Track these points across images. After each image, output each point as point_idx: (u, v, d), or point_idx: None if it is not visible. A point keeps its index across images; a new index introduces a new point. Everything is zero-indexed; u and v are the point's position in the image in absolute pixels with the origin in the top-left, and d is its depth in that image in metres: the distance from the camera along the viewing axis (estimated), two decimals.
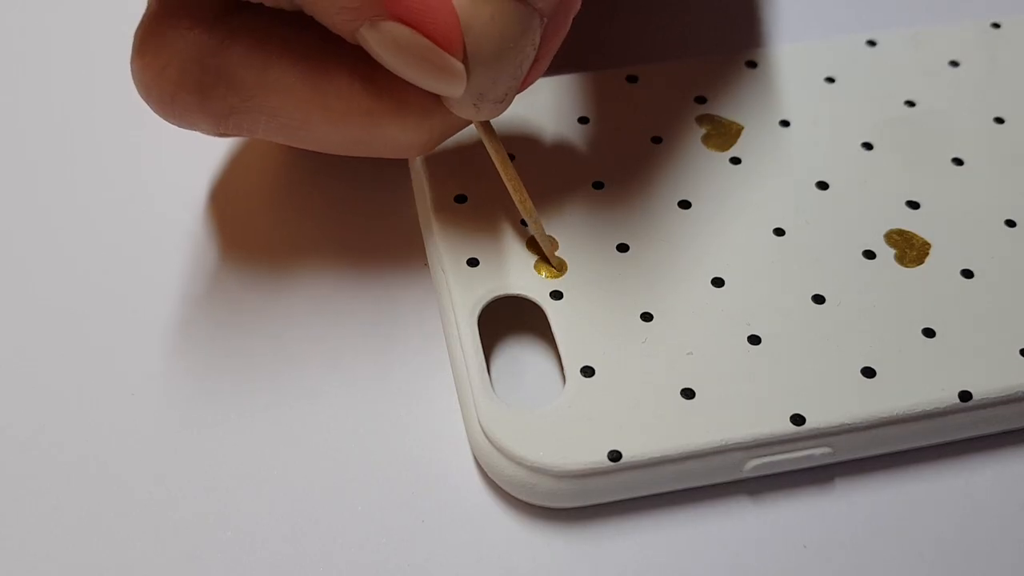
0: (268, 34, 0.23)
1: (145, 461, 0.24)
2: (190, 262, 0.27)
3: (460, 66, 0.22)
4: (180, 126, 0.24)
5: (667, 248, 0.26)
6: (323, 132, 0.24)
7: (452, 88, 0.23)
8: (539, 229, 0.25)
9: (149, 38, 0.23)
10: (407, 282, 0.27)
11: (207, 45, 0.23)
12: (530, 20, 0.22)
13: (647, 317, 0.25)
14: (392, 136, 0.24)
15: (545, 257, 0.25)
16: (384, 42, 0.22)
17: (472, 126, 0.25)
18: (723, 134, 0.28)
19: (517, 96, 0.28)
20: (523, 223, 0.26)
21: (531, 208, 0.25)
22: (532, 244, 0.26)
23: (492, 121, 0.25)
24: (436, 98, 0.24)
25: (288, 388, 0.25)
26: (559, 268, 0.25)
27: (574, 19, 0.24)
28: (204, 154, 0.29)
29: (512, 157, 0.27)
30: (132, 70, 0.24)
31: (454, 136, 0.27)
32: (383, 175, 0.28)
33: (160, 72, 0.23)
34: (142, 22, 0.23)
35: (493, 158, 0.25)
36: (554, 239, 0.26)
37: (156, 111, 0.24)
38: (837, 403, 0.23)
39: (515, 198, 0.25)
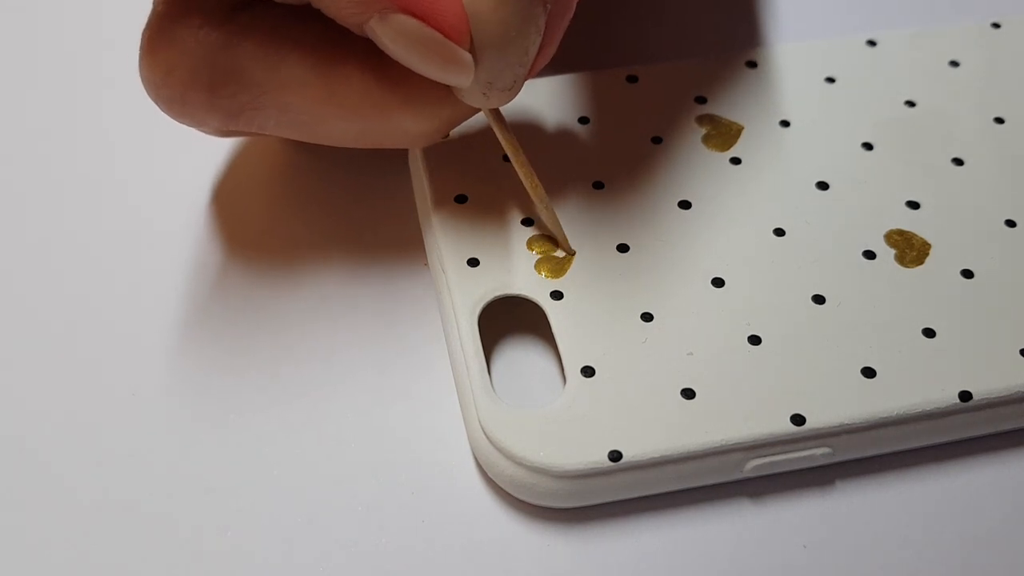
0: (277, 30, 0.23)
1: (145, 461, 0.24)
2: (190, 263, 0.27)
3: (468, 56, 0.22)
4: (188, 125, 0.24)
5: (667, 248, 0.26)
6: (334, 125, 0.24)
7: (461, 78, 0.23)
8: (551, 215, 0.25)
9: (157, 38, 0.23)
10: (407, 282, 0.27)
11: (217, 43, 0.23)
12: (533, 6, 0.22)
13: (647, 317, 0.25)
14: (403, 127, 0.24)
15: (554, 240, 0.26)
16: (392, 34, 0.22)
17: (480, 114, 0.25)
18: (723, 134, 0.28)
19: (518, 96, 0.28)
20: (524, 222, 0.26)
21: (543, 194, 0.25)
22: (532, 243, 0.26)
23: (502, 110, 0.25)
24: (446, 88, 0.24)
25: (288, 388, 0.25)
26: (571, 253, 0.25)
27: (575, 19, 0.24)
28: (205, 154, 0.29)
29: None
30: (141, 70, 0.23)
31: (455, 137, 0.27)
32: (383, 175, 0.28)
33: (170, 71, 0.23)
34: (149, 22, 0.23)
35: (504, 145, 0.25)
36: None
37: (165, 111, 0.24)
38: (837, 403, 0.23)
39: (526, 184, 0.25)
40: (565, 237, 0.26)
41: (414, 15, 0.22)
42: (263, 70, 0.23)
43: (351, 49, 0.24)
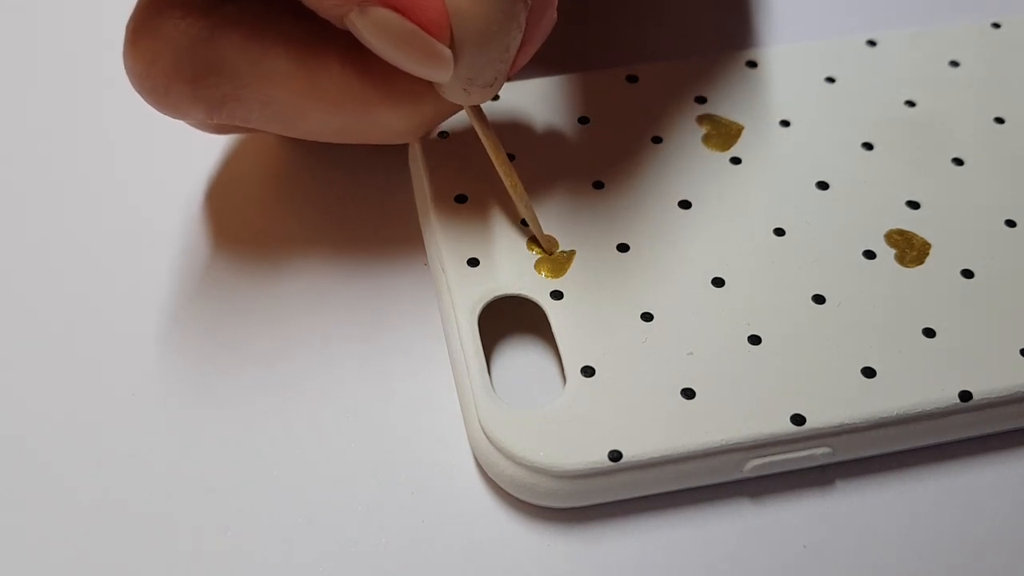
0: (259, 22, 0.24)
1: (145, 461, 0.24)
2: (190, 262, 0.27)
3: (447, 51, 0.22)
4: (173, 116, 0.24)
5: (667, 248, 0.26)
6: (316, 120, 0.24)
7: (440, 73, 0.23)
8: (531, 213, 0.25)
9: (141, 29, 0.23)
10: (407, 282, 0.27)
11: (199, 34, 0.23)
12: (514, 3, 0.22)
13: (647, 317, 0.25)
14: (384, 122, 0.24)
15: (537, 241, 0.26)
16: (372, 28, 0.22)
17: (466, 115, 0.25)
18: (723, 134, 0.28)
19: (517, 96, 0.28)
20: (524, 222, 0.26)
21: (522, 192, 0.25)
22: (532, 243, 0.26)
23: (485, 109, 0.25)
24: (427, 84, 0.24)
25: (287, 388, 0.25)
26: (549, 248, 0.25)
27: (575, 18, 0.24)
28: (205, 153, 0.29)
29: (512, 157, 0.27)
30: (125, 61, 0.24)
31: (455, 136, 0.27)
32: (383, 174, 0.28)
33: (152, 62, 0.23)
34: (133, 14, 0.24)
35: (484, 142, 0.25)
36: (553, 238, 0.26)
37: (149, 102, 0.24)
38: (837, 403, 0.23)
39: (506, 183, 0.25)
40: (544, 236, 0.26)
41: (394, 9, 0.22)
42: (245, 62, 0.23)
43: (333, 43, 0.24)
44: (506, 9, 0.22)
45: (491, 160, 0.25)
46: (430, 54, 0.22)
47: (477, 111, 0.25)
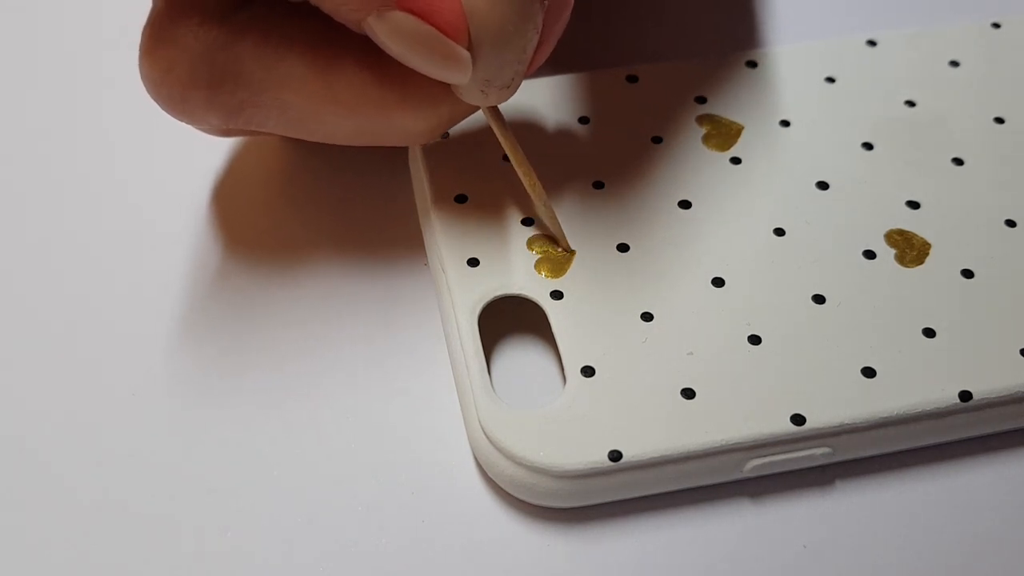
0: (276, 27, 0.24)
1: (146, 461, 0.24)
2: (190, 263, 0.27)
3: (465, 53, 0.22)
4: (189, 123, 0.24)
5: (667, 248, 0.26)
6: (333, 124, 0.24)
7: (458, 75, 0.23)
8: (550, 213, 0.25)
9: (157, 36, 0.23)
10: (407, 282, 0.27)
11: (216, 41, 0.23)
12: (531, 4, 0.22)
13: (647, 317, 0.25)
14: (401, 125, 0.24)
15: (554, 240, 0.26)
16: (390, 32, 0.22)
17: (480, 113, 0.25)
18: (723, 134, 0.28)
19: (517, 96, 0.28)
20: (524, 222, 0.26)
21: (542, 192, 0.25)
22: (532, 243, 0.26)
23: (500, 108, 0.25)
24: (444, 86, 0.24)
25: (288, 388, 0.25)
26: (570, 251, 0.25)
27: (575, 18, 0.24)
28: (205, 153, 0.29)
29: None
30: (141, 68, 0.24)
31: (455, 136, 0.27)
32: (383, 175, 0.28)
33: (169, 69, 0.23)
34: (149, 20, 0.23)
35: (502, 143, 0.25)
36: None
37: (165, 109, 0.24)
38: (837, 403, 0.23)
39: (525, 182, 0.25)
40: (564, 235, 0.26)
41: (412, 12, 0.22)
42: (262, 68, 0.23)
43: (349, 47, 0.24)
44: (523, 10, 0.22)
45: (509, 160, 0.25)
46: (448, 56, 0.22)
47: (494, 111, 0.25)
